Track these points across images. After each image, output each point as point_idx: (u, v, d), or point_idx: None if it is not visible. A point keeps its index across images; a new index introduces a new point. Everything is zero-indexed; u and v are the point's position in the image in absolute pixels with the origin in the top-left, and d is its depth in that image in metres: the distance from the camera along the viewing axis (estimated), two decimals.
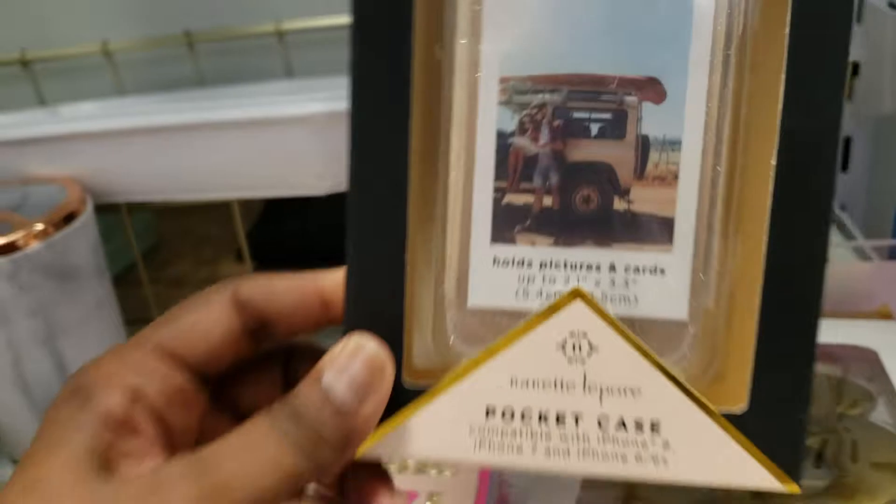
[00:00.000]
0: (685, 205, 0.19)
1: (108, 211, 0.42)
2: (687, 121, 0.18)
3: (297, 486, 0.18)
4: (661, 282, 0.19)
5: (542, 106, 0.19)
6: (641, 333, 0.19)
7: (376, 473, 0.21)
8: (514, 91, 0.19)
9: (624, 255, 0.19)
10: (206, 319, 0.20)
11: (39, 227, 0.36)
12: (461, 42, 0.19)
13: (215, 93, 0.58)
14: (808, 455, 0.28)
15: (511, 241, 0.20)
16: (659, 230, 0.19)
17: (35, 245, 0.36)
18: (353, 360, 0.19)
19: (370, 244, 0.20)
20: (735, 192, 0.19)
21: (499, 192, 0.19)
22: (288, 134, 0.39)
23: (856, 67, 0.58)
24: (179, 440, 0.19)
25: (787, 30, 0.18)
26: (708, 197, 0.19)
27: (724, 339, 0.19)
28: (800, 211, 0.18)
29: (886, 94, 0.55)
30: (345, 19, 0.52)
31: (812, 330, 0.19)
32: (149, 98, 0.58)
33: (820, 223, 0.18)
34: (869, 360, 0.33)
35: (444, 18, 0.19)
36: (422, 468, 0.34)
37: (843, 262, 0.45)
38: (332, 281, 0.21)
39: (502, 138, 0.19)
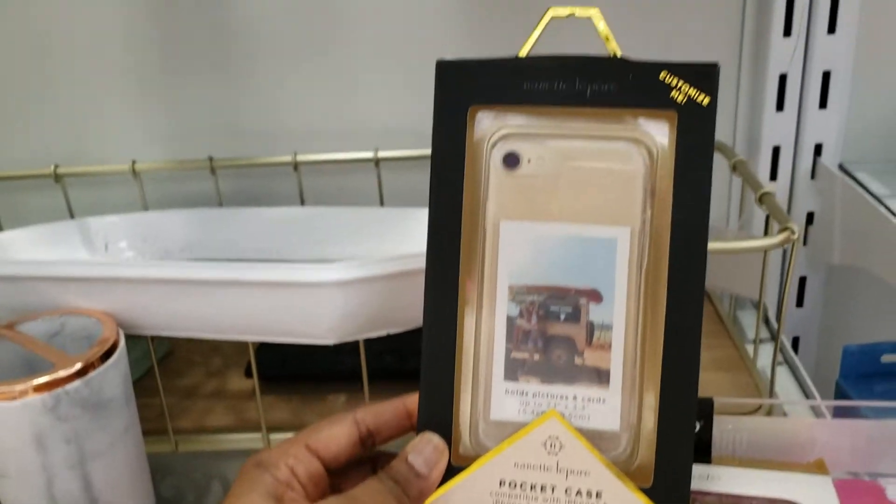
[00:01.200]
0: (616, 363, 0.32)
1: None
2: (615, 314, 0.32)
3: None
4: (603, 407, 0.33)
5: (532, 302, 0.33)
6: (591, 438, 0.32)
7: None
8: (517, 294, 0.33)
9: (581, 391, 0.33)
10: (336, 430, 0.34)
11: (79, 365, 0.40)
12: (487, 269, 0.33)
13: (233, 213, 0.65)
14: None
15: (516, 379, 0.33)
16: (601, 377, 0.33)
17: (75, 382, 0.40)
18: (426, 446, 0.33)
19: (434, 379, 0.34)
20: (645, 356, 0.32)
21: (508, 351, 0.33)
22: (305, 295, 0.44)
23: (810, 216, 0.70)
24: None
25: (668, 270, 0.32)
26: (629, 358, 0.32)
27: (640, 443, 0.32)
28: (677, 374, 0.32)
29: (836, 248, 0.66)
30: (351, 155, 0.66)
31: (688, 445, 0.32)
32: (170, 213, 0.64)
33: (689, 381, 0.31)
34: None
35: (475, 256, 0.33)
36: None
37: (789, 418, 0.51)
38: (413, 401, 0.34)
39: (510, 320, 0.33)
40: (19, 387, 0.39)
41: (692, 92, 0.31)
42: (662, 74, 0.31)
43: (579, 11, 0.33)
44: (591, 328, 0.33)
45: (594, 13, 0.32)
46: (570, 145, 0.32)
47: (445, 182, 0.33)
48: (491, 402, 0.34)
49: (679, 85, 0.31)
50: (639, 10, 0.65)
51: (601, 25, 0.32)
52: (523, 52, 0.33)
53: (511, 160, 0.33)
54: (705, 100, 0.31)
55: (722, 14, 0.66)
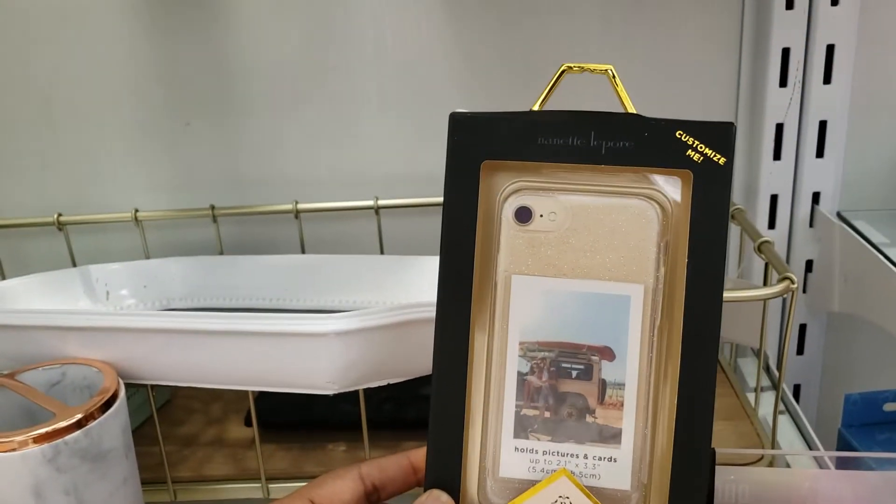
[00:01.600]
0: (628, 421, 0.32)
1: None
2: (628, 372, 0.32)
3: None
4: (614, 466, 0.32)
5: (543, 358, 0.33)
6: (601, 498, 0.32)
7: None
8: (528, 350, 0.33)
9: (591, 449, 0.32)
10: (341, 485, 0.33)
11: (79, 415, 0.40)
12: (498, 323, 0.33)
13: (234, 260, 0.65)
14: None
15: (526, 437, 0.33)
16: (612, 435, 0.32)
17: (75, 433, 0.40)
18: (434, 503, 0.32)
19: (442, 435, 0.33)
20: (657, 414, 0.32)
21: (518, 408, 0.33)
22: (305, 346, 0.44)
23: (809, 264, 0.70)
24: None
25: (682, 328, 0.32)
26: (641, 417, 0.32)
27: (650, 503, 0.32)
28: (690, 433, 0.31)
29: (836, 295, 0.67)
30: (352, 203, 0.67)
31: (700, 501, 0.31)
32: (172, 260, 0.64)
33: (702, 441, 0.31)
34: None
35: (486, 310, 0.33)
36: None
37: (792, 469, 0.51)
38: (418, 455, 0.34)
39: (521, 376, 0.33)
40: (19, 437, 0.39)
41: (708, 152, 0.31)
42: (678, 133, 0.31)
43: (594, 67, 0.33)
44: (603, 386, 0.32)
45: (609, 69, 0.33)
46: (583, 200, 0.32)
47: (457, 235, 0.33)
48: (500, 460, 0.33)
49: (695, 144, 0.31)
50: (634, 60, 0.66)
51: (616, 82, 0.32)
52: (536, 106, 0.33)
53: (523, 215, 0.33)
54: (721, 159, 0.31)
55: (718, 65, 0.67)
